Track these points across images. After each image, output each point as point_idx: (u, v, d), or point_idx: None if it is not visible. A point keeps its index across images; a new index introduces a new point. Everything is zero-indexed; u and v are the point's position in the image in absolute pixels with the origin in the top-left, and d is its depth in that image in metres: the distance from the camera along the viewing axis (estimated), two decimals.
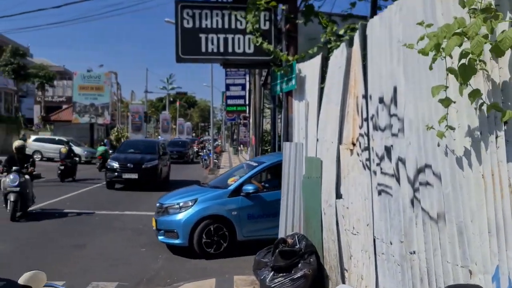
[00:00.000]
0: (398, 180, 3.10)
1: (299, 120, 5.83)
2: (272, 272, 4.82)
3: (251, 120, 12.21)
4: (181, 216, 6.76)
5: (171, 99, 78.29)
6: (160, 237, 6.96)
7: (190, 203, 6.84)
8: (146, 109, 47.57)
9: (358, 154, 3.91)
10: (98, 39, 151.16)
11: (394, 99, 3.16)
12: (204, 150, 29.26)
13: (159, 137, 54.48)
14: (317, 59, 5.26)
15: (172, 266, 6.37)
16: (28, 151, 30.37)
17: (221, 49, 6.32)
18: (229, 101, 22.22)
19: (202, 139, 52.92)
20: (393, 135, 3.16)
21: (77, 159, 19.02)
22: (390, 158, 3.24)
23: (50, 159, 29.27)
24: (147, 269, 6.21)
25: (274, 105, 9.97)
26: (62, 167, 16.78)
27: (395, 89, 3.13)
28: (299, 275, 4.66)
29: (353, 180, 4.06)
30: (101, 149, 22.10)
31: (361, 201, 3.86)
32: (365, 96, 3.72)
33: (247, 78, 23.56)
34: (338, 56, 4.61)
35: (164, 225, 6.91)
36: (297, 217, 5.63)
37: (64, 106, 45.91)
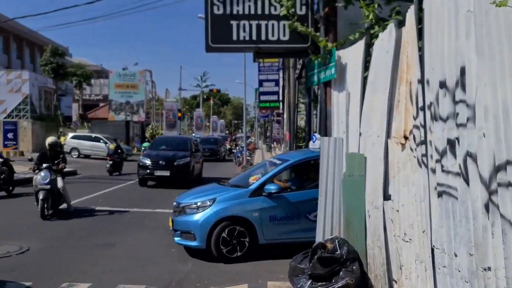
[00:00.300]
0: (466, 179, 2.57)
1: (339, 113, 5.33)
2: (310, 281, 4.36)
3: (285, 116, 11.72)
4: (198, 216, 6.34)
5: (205, 97, 78.74)
6: (176, 238, 6.56)
7: (208, 203, 6.42)
8: (180, 106, 47.78)
9: (411, 149, 3.38)
10: (134, 38, 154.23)
11: (460, 82, 2.62)
12: (237, 147, 29.03)
13: (193, 134, 54.84)
14: (360, 45, 4.74)
15: (202, 269, 6.01)
16: (66, 148, 31.24)
17: (254, 37, 5.88)
18: (262, 97, 21.83)
19: (234, 136, 50.98)
20: (460, 125, 2.63)
21: (124, 154, 20.46)
22: (454, 154, 2.71)
23: (87, 156, 29.80)
24: (177, 271, 5.87)
25: (309, 99, 9.47)
26: (110, 162, 17.99)
27: (462, 70, 2.60)
28: (340, 285, 4.19)
29: (405, 179, 3.53)
30: (146, 144, 23.61)
31: (415, 204, 3.34)
32: (421, 81, 3.19)
33: (281, 74, 23.10)
34: (384, 39, 4.08)
35: (181, 226, 6.52)
36: (336, 219, 5.14)
37: (101, 104, 46.82)
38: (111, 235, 7.68)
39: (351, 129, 4.92)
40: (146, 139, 27.41)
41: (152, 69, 55.24)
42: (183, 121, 70.18)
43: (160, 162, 13.92)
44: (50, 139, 9.63)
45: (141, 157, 14.48)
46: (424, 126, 3.14)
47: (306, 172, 7.24)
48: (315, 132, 7.71)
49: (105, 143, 29.90)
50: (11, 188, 12.12)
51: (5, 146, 29.72)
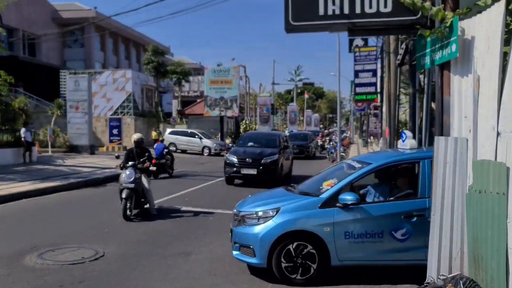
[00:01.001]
0: None
1: (462, 104, 4.01)
2: None
3: (384, 109, 10.24)
4: (259, 229, 5.36)
5: (299, 91, 77.90)
6: (234, 253, 5.65)
7: (271, 213, 5.42)
8: (273, 101, 47.46)
9: None
10: (231, 37, 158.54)
11: None
12: (331, 143, 27.55)
13: (286, 129, 54.31)
14: (497, 10, 3.40)
15: None
16: (165, 143, 32.51)
17: (346, 10, 4.69)
18: (358, 89, 20.22)
19: (327, 130, 47.79)
20: None
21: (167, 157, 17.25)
22: None
23: (183, 151, 30.62)
24: None
25: (414, 89, 8.02)
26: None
27: None
28: None
29: None
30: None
31: None
32: None
33: (379, 64, 21.24)
34: None
35: (240, 238, 5.59)
36: (457, 248, 3.86)
37: (198, 100, 48.23)
38: (190, 241, 7.11)
39: (482, 126, 3.60)
40: (230, 135, 27.15)
41: (247, 64, 55.81)
42: (276, 116, 70.17)
43: (247, 159, 13.27)
44: (135, 136, 9.34)
45: (227, 154, 13.97)
46: None
47: (392, 179, 5.99)
48: (406, 129, 6.34)
49: (200, 138, 30.54)
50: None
51: (110, 141, 31.78)
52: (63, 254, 6.16)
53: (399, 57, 7.92)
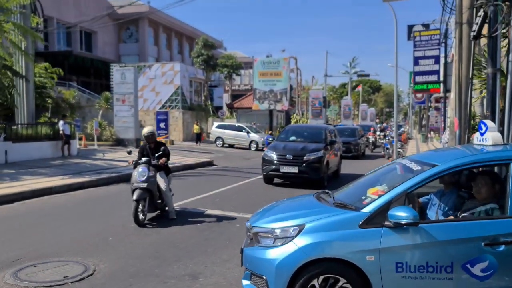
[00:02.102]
0: None
1: None
2: None
3: (452, 95, 8.32)
4: (275, 254, 3.88)
5: (354, 84, 74.92)
6: (244, 282, 4.18)
7: (292, 232, 3.90)
8: (325, 94, 45.40)
9: None
10: (285, 31, 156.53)
11: None
12: (387, 138, 25.31)
13: (339, 123, 52.08)
14: None
15: None
16: (211, 137, 31.68)
17: None
18: (418, 78, 18.04)
19: (383, 124, 42.89)
20: None
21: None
22: None
23: (231, 146, 29.57)
24: None
25: (494, 68, 6.21)
26: None
27: None
28: None
29: None
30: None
31: None
32: None
33: (442, 50, 18.91)
34: None
35: (251, 263, 4.13)
36: None
37: (248, 94, 47.25)
38: (203, 257, 5.83)
39: None
40: (279, 129, 25.70)
41: (301, 59, 54.17)
42: (330, 110, 67.73)
43: (287, 156, 11.75)
44: (145, 130, 8.06)
45: (266, 149, 12.54)
46: None
47: (465, 187, 4.41)
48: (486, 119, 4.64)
49: (247, 132, 29.32)
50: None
51: (158, 135, 31.39)
52: (44, 272, 5.08)
53: (475, 27, 6.14)
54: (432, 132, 37.72)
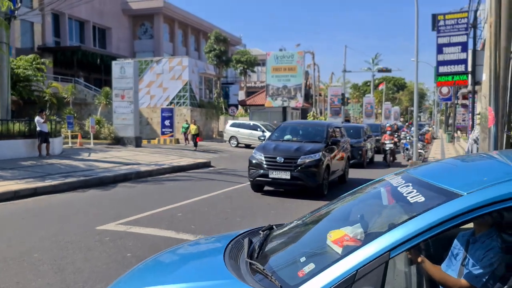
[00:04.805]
0: None
1: None
2: None
3: (484, 77, 6.10)
4: None
5: (377, 82, 71.96)
6: None
7: None
8: (343, 90, 42.91)
9: None
10: (307, 28, 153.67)
11: None
12: (407, 138, 22.77)
13: (363, 122, 49.57)
14: None
15: None
16: (225, 137, 29.47)
17: None
18: (441, 69, 15.63)
19: (392, 124, 33.52)
20: None
21: None
22: None
23: (247, 146, 27.24)
24: None
25: None
26: None
27: None
28: None
29: None
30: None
31: None
32: None
33: (471, 35, 16.42)
34: None
35: None
36: None
37: (260, 90, 45.27)
38: None
39: None
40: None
41: (322, 56, 51.80)
42: (352, 107, 65.02)
43: (278, 158, 9.64)
44: None
45: (254, 150, 10.48)
46: None
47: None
48: None
49: (263, 131, 27.08)
50: None
51: (162, 133, 29.74)
52: None
53: None
54: (459, 131, 34.91)
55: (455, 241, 2.52)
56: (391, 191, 2.44)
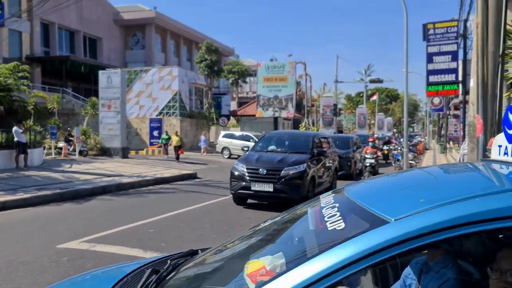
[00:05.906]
0: None
1: None
2: None
3: (471, 83, 5.71)
4: None
5: (370, 93, 72.03)
6: None
7: None
8: (335, 101, 42.67)
9: None
10: (300, 40, 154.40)
11: None
12: (399, 148, 22.41)
13: (355, 132, 49.32)
14: None
15: None
16: (218, 148, 28.94)
17: None
18: (432, 78, 15.33)
19: (376, 136, 30.59)
20: None
21: None
22: None
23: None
24: None
25: None
26: None
27: None
28: None
29: None
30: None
31: None
32: None
33: (461, 45, 16.18)
34: None
35: None
36: None
37: (252, 101, 44.93)
38: None
39: None
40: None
41: (315, 67, 51.69)
42: (345, 118, 64.78)
43: (260, 170, 9.18)
44: None
45: (236, 161, 10.00)
46: None
47: (471, 255, 1.92)
48: None
49: (255, 142, 26.62)
50: None
51: (151, 144, 29.22)
52: None
53: None
54: (451, 142, 34.69)
55: (408, 268, 2.06)
56: (319, 214, 1.96)
